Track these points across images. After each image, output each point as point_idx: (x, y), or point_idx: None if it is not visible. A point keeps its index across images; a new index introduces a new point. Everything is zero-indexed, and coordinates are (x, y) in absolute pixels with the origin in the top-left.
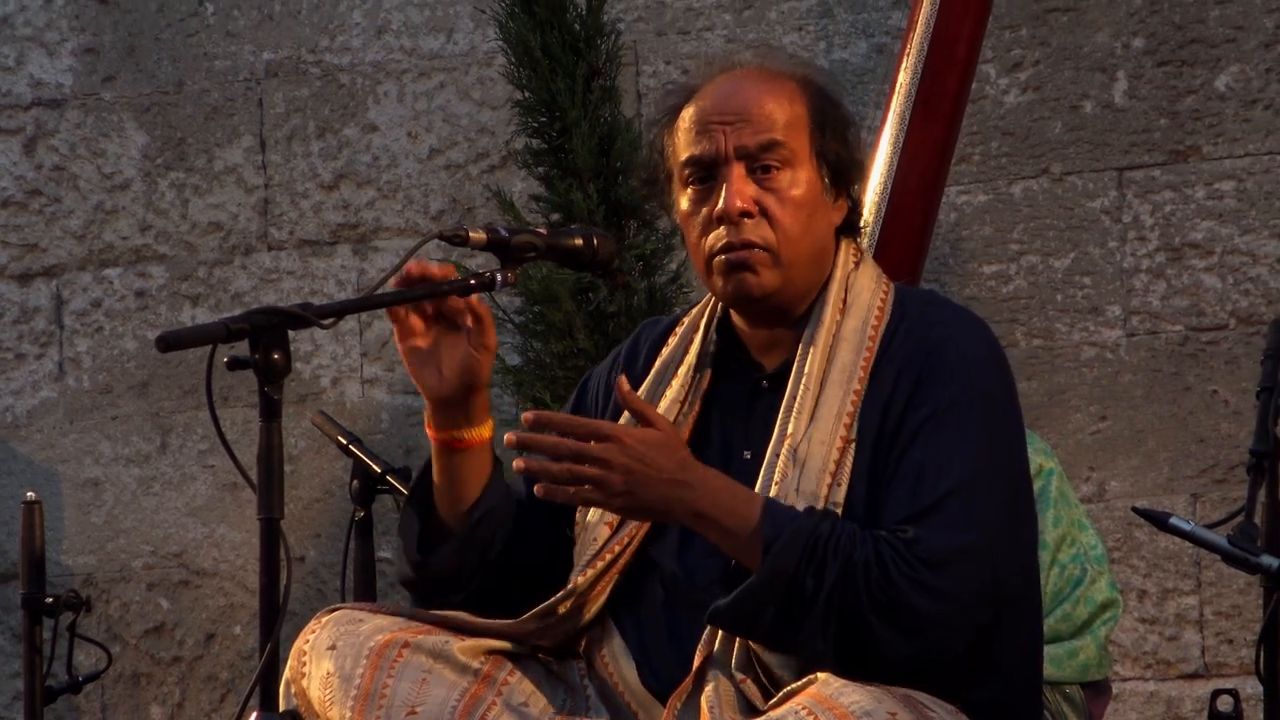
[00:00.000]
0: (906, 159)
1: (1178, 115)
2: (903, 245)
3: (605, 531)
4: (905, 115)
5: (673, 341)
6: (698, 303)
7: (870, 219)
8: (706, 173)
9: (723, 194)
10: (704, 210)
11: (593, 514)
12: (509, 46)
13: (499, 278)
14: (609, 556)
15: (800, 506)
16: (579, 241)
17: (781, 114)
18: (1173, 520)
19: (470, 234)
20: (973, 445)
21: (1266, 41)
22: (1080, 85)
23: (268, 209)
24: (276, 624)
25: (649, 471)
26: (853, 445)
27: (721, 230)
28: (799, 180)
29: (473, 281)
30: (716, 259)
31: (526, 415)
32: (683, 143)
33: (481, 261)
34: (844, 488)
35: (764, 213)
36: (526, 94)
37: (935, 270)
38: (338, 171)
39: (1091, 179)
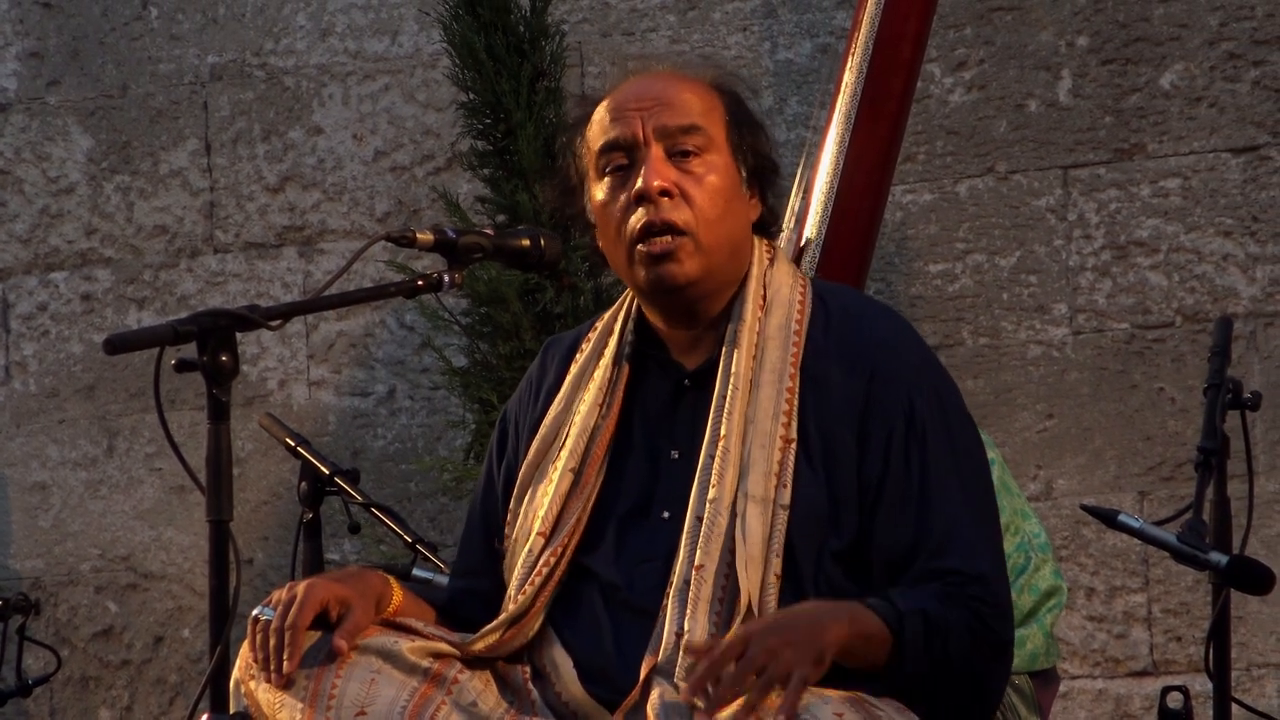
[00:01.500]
0: (852, 158)
1: (1122, 113)
2: (849, 244)
3: (539, 542)
4: (851, 115)
5: (586, 348)
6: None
7: (816, 219)
8: (624, 158)
9: (641, 173)
10: (621, 196)
11: (523, 528)
12: (453, 48)
13: (446, 279)
14: (545, 570)
15: (749, 509)
16: (526, 242)
17: (698, 103)
18: (1121, 517)
19: (417, 235)
20: (955, 457)
21: (1210, 39)
22: (1025, 84)
23: (213, 212)
24: (226, 626)
25: (785, 625)
26: (793, 445)
27: (641, 212)
28: (716, 166)
29: (420, 283)
30: (639, 249)
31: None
32: (597, 134)
33: (428, 263)
34: (789, 489)
35: (683, 195)
36: (471, 96)
37: (881, 269)
38: (283, 174)
39: (1037, 177)
